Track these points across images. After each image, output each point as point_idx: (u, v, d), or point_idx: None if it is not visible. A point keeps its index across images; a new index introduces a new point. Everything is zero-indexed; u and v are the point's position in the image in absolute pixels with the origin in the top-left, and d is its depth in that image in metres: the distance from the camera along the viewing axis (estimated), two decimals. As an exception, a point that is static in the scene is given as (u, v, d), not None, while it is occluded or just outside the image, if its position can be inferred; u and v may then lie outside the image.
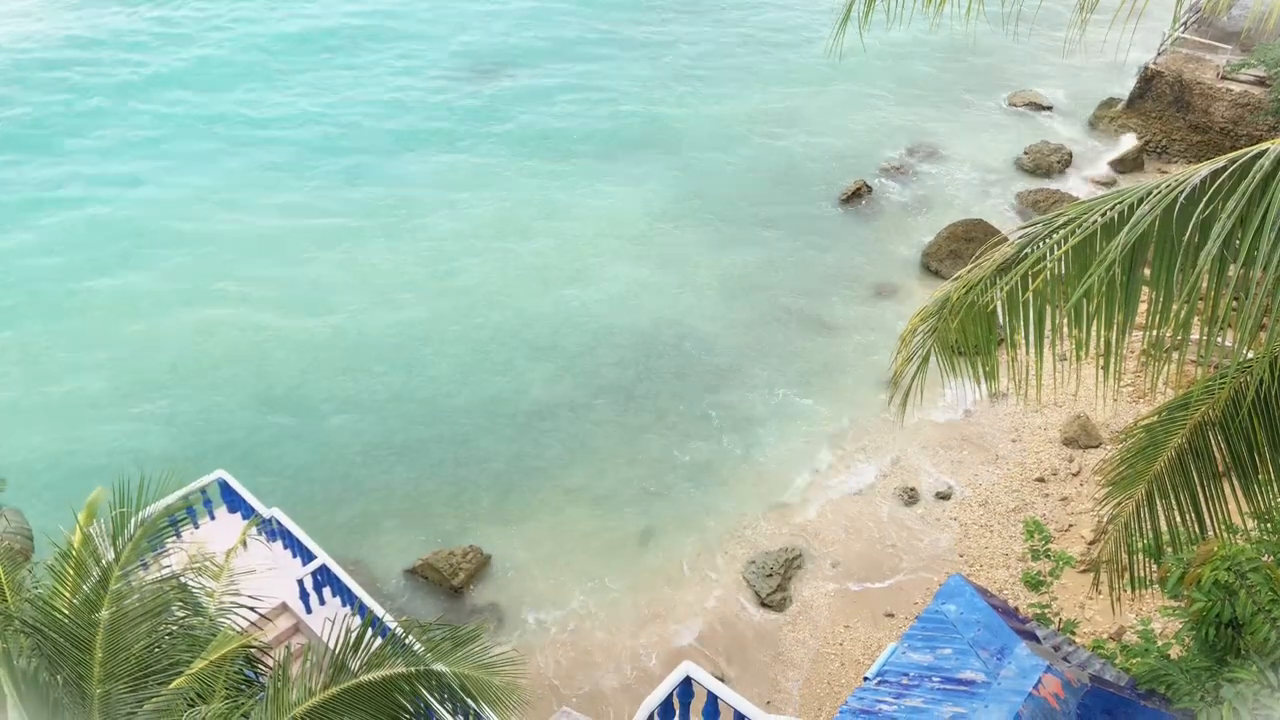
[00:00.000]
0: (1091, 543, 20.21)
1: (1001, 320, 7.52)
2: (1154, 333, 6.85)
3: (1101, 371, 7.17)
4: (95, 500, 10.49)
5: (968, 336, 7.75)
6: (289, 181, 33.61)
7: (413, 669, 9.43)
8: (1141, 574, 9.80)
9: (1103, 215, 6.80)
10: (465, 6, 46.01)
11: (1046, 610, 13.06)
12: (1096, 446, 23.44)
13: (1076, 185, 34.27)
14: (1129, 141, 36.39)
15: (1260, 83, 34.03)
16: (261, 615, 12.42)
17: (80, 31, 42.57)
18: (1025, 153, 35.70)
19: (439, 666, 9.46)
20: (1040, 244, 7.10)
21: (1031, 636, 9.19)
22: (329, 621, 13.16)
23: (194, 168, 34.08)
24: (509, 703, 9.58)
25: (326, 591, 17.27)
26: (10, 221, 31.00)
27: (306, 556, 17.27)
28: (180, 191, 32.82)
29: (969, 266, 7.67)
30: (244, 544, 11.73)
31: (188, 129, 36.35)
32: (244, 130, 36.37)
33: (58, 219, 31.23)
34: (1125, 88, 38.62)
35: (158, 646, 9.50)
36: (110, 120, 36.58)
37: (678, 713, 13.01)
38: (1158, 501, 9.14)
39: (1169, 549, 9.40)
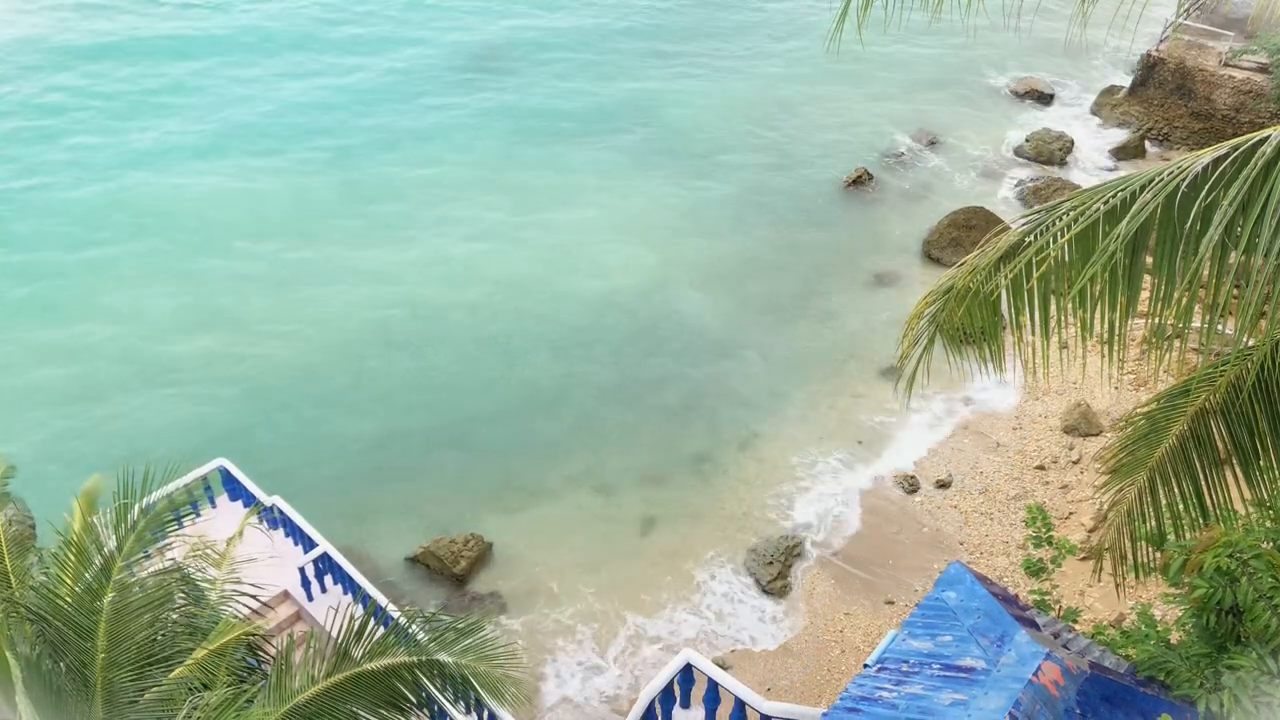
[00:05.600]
0: (1092, 530, 20.23)
1: (1006, 306, 7.51)
2: (1155, 320, 6.84)
3: (1103, 359, 7.17)
4: (92, 488, 10.47)
5: (973, 322, 7.74)
6: (288, 172, 33.50)
7: (415, 659, 9.47)
8: (1143, 561, 9.82)
9: (1105, 202, 6.78)
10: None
11: (1047, 597, 13.09)
12: (1097, 434, 23.45)
13: (1078, 173, 34.19)
14: (1131, 129, 36.28)
15: (1262, 69, 33.90)
16: (263, 603, 12.47)
17: (77, 22, 42.42)
18: (1027, 140, 35.60)
19: (442, 657, 9.48)
20: (1044, 231, 7.08)
21: (1031, 624, 9.20)
22: (331, 609, 13.23)
23: (195, 160, 33.97)
24: (509, 694, 9.61)
25: (328, 579, 17.33)
26: (11, 213, 30.94)
27: (308, 544, 17.31)
28: (181, 184, 32.72)
29: (974, 253, 7.66)
30: (243, 532, 11.74)
31: (186, 120, 36.22)
32: (243, 122, 36.22)
33: (56, 211, 31.17)
34: (1127, 75, 38.51)
35: (160, 635, 9.52)
36: (109, 111, 36.44)
37: (678, 700, 13.05)
38: (1159, 488, 9.15)
39: (1171, 536, 9.41)
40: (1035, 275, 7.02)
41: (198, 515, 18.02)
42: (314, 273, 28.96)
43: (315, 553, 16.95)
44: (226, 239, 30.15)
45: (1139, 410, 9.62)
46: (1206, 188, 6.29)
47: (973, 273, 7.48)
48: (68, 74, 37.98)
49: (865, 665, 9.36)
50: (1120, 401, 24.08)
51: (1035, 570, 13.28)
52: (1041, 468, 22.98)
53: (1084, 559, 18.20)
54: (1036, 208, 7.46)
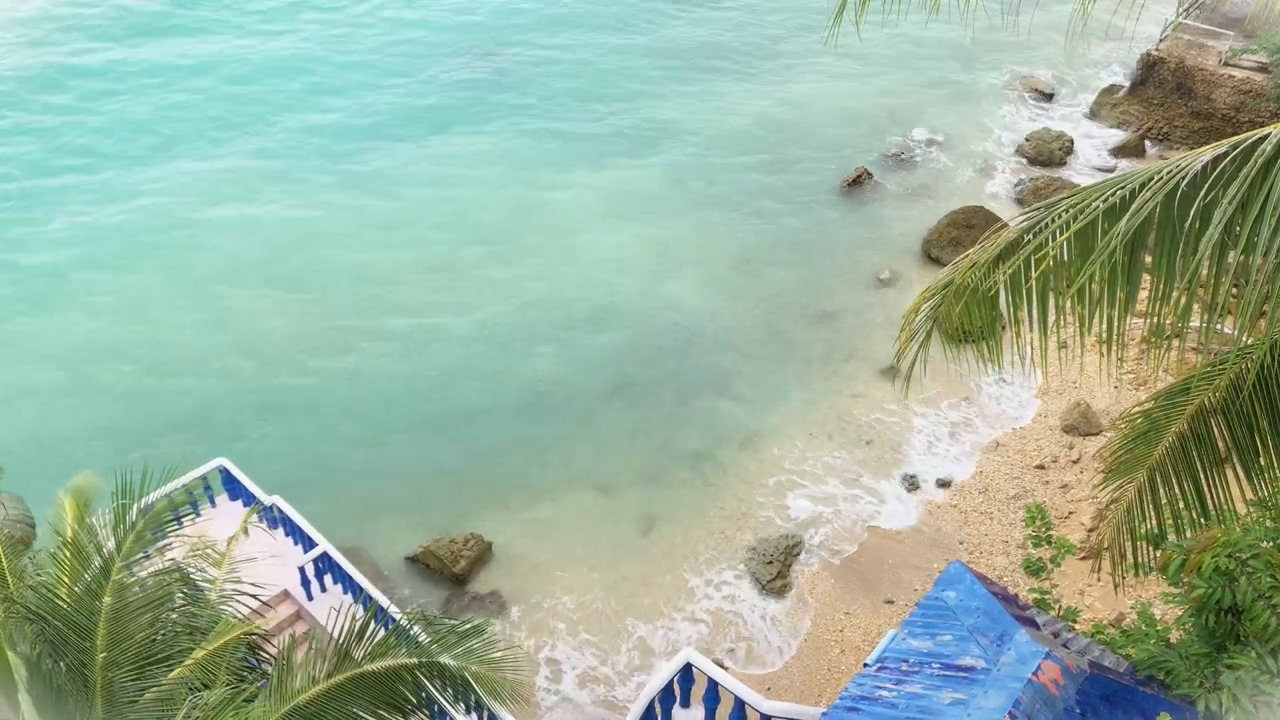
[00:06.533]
0: (1091, 529, 20.23)
1: (1004, 301, 7.50)
2: (1155, 319, 6.84)
3: (1101, 358, 7.16)
4: (83, 484, 10.42)
5: (971, 319, 7.73)
6: (287, 172, 33.49)
7: (416, 660, 9.46)
8: (1142, 560, 9.81)
9: (1104, 200, 6.78)
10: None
11: (1047, 597, 13.07)
12: (1097, 434, 23.44)
13: (1078, 172, 34.17)
14: (1130, 128, 36.28)
15: (1262, 69, 33.88)
16: (263, 602, 12.47)
17: (76, 19, 42.38)
18: (1026, 140, 35.58)
19: (444, 659, 9.48)
20: (1043, 228, 7.08)
21: (1031, 623, 9.19)
22: (332, 610, 13.23)
23: (191, 160, 33.96)
24: (511, 698, 9.62)
25: (328, 579, 17.33)
26: (14, 214, 30.93)
27: (308, 544, 17.32)
28: (180, 183, 32.73)
29: (974, 249, 7.65)
30: (245, 531, 11.74)
31: (183, 117, 36.21)
32: (239, 120, 36.21)
33: (60, 211, 31.18)
34: (1127, 74, 38.50)
35: (160, 635, 9.51)
36: (112, 113, 36.39)
37: (678, 699, 13.04)
38: (1159, 487, 9.14)
39: (1170, 535, 9.40)
40: (1034, 273, 7.02)
41: (197, 515, 18.08)
42: (314, 274, 28.96)
43: (315, 552, 16.96)
44: (225, 241, 30.15)
45: (1138, 409, 9.62)
46: (1206, 186, 6.29)
47: (971, 269, 7.47)
48: (64, 94, 37.70)
49: (865, 664, 9.35)
50: (1120, 401, 24.07)
51: (1035, 569, 13.26)
52: (1041, 467, 22.98)
53: (1084, 558, 18.20)
54: (1035, 205, 7.45)
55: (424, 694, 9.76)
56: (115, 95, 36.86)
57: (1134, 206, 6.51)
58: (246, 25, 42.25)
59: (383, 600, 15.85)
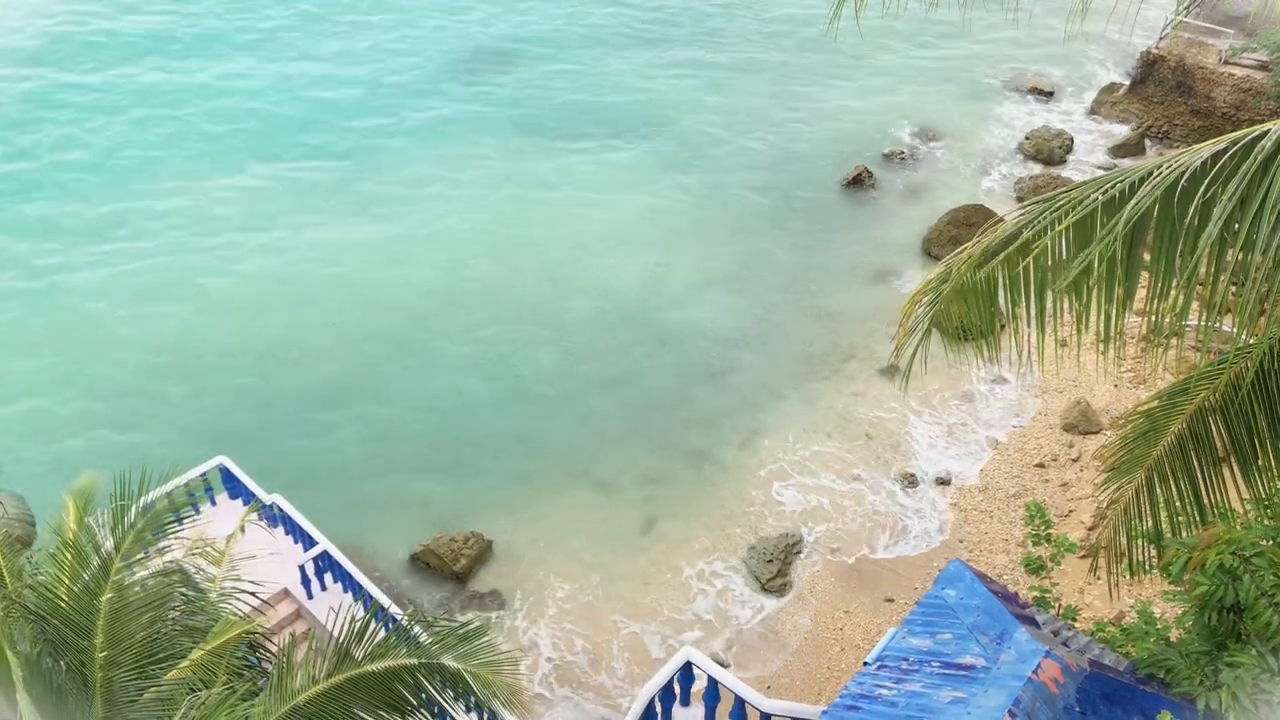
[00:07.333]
0: (1091, 528, 20.23)
1: (1003, 296, 7.47)
2: (1154, 318, 6.82)
3: (1101, 356, 7.15)
4: (85, 486, 10.42)
5: (969, 311, 7.70)
6: (284, 169, 33.45)
7: (416, 660, 9.45)
8: (1140, 559, 9.80)
9: (1104, 193, 6.76)
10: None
11: (1047, 595, 13.06)
12: (1097, 432, 23.44)
13: (1078, 170, 34.14)
14: (1130, 127, 36.26)
15: (1263, 67, 33.86)
16: (263, 601, 12.46)
17: (70, 18, 42.34)
18: (1027, 138, 35.55)
19: (445, 660, 9.48)
20: (1041, 219, 7.06)
21: (1031, 622, 9.18)
22: (332, 609, 13.23)
23: (188, 155, 33.92)
24: (510, 700, 9.62)
25: (328, 577, 17.33)
26: (14, 217, 30.88)
27: (308, 542, 17.32)
28: (176, 179, 32.70)
29: (970, 242, 7.62)
30: (242, 529, 11.73)
31: (177, 113, 36.14)
32: (236, 117, 36.11)
33: (55, 204, 31.15)
34: (1127, 73, 38.48)
35: (160, 634, 9.51)
36: (112, 128, 36.23)
37: (678, 698, 13.04)
38: (1157, 486, 9.13)
39: (1169, 534, 9.39)
40: (1029, 262, 6.99)
41: (197, 514, 18.06)
42: (313, 272, 28.94)
43: (315, 551, 16.96)
44: (224, 240, 30.12)
45: (1139, 408, 9.61)
46: (1205, 182, 6.28)
47: (968, 263, 7.45)
48: (62, 111, 37.45)
49: (865, 663, 9.34)
50: (1120, 399, 24.06)
51: (1035, 568, 13.26)
52: (1041, 465, 22.97)
53: (1084, 557, 18.20)
54: (1033, 199, 7.43)
55: (424, 694, 9.75)
56: (115, 112, 36.55)
57: (1133, 201, 6.50)
58: (248, 42, 42.01)
59: (383, 599, 15.85)
